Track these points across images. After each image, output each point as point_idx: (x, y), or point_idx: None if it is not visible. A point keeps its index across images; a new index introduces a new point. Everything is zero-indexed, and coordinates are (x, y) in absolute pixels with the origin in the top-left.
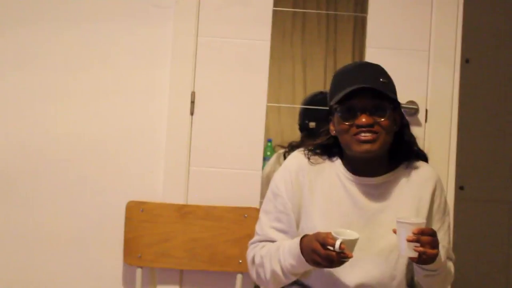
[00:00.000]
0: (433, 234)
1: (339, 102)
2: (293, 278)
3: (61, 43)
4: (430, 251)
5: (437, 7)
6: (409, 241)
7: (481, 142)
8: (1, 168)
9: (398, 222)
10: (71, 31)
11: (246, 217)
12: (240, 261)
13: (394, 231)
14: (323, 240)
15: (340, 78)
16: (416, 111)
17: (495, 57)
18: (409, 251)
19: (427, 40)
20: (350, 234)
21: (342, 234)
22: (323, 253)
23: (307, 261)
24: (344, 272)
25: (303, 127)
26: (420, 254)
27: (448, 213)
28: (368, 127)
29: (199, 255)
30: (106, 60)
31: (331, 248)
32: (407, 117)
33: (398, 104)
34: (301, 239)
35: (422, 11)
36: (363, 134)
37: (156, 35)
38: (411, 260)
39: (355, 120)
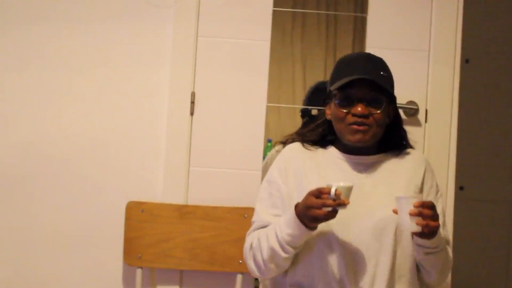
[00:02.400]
0: (433, 207)
1: (339, 89)
2: (291, 252)
3: (61, 43)
4: (433, 223)
5: (437, 7)
6: (411, 215)
7: (481, 142)
8: (1, 168)
9: (397, 198)
10: (70, 32)
11: (246, 217)
12: (240, 261)
13: (395, 211)
14: (318, 191)
15: (343, 65)
16: (416, 111)
17: (495, 57)
18: (412, 226)
19: (427, 40)
20: (345, 184)
21: (337, 184)
22: (319, 203)
23: (304, 222)
24: (345, 249)
25: (304, 113)
26: (423, 227)
27: (441, 195)
28: (363, 117)
29: (199, 255)
30: (106, 60)
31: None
32: (407, 117)
33: (393, 98)
34: (296, 205)
35: (422, 11)
36: (356, 125)
37: (156, 35)
38: (414, 235)
39: (351, 109)
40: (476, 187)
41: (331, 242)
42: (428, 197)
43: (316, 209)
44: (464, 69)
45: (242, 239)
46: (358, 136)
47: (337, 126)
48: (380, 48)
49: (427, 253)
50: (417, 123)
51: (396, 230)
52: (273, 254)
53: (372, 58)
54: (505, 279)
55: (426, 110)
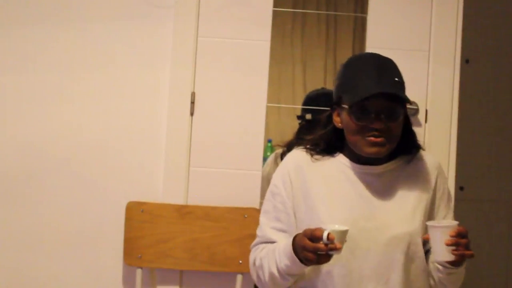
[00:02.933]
0: (467, 234)
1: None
2: (291, 280)
3: (61, 44)
4: (468, 252)
5: (437, 7)
6: (448, 245)
7: (481, 142)
8: (1, 168)
9: (432, 227)
10: (71, 32)
11: (246, 218)
12: (240, 261)
13: (426, 238)
14: (311, 234)
15: (355, 72)
16: (416, 111)
17: (495, 57)
18: (447, 255)
19: (427, 40)
20: (339, 227)
21: (332, 228)
22: (311, 247)
23: (299, 259)
24: (355, 263)
25: (301, 118)
26: (457, 257)
27: (451, 199)
28: (381, 131)
29: (199, 255)
30: (106, 61)
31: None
32: None
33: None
34: (294, 238)
35: (422, 11)
36: (373, 138)
37: (156, 35)
38: (447, 263)
39: (369, 122)
40: (476, 187)
41: (339, 257)
42: (440, 203)
43: (308, 252)
44: (464, 69)
45: (242, 239)
46: (375, 149)
47: (351, 138)
48: (380, 48)
49: (450, 273)
50: (417, 123)
51: (408, 247)
52: (272, 278)
53: (384, 63)
54: (505, 279)
55: (426, 110)
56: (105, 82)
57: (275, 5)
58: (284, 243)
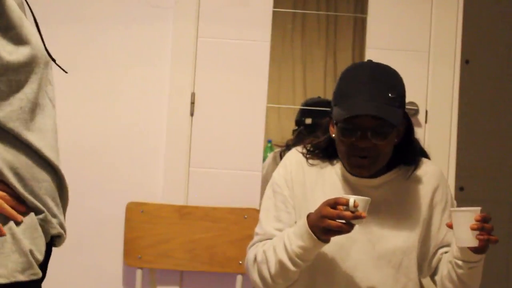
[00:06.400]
0: (490, 220)
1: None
2: (301, 266)
3: (61, 43)
4: (493, 237)
5: (437, 7)
6: (473, 229)
7: (481, 143)
8: None
9: (456, 211)
10: (70, 32)
11: (246, 218)
12: (240, 262)
13: (449, 225)
14: (335, 201)
15: (348, 84)
16: (416, 112)
17: (495, 57)
18: (471, 241)
19: (427, 40)
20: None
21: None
22: (335, 214)
23: (316, 233)
24: (345, 275)
25: (299, 123)
26: (482, 242)
27: (454, 206)
28: (367, 150)
29: (199, 256)
30: (106, 61)
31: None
32: None
33: (404, 115)
34: (307, 216)
35: (422, 12)
36: (359, 159)
37: (156, 35)
38: (471, 250)
39: (354, 140)
40: (476, 188)
41: (329, 267)
42: (444, 213)
43: (330, 220)
44: (464, 70)
45: (242, 240)
46: (359, 171)
47: (340, 151)
48: (380, 48)
49: (471, 268)
50: (417, 124)
51: (400, 263)
52: (281, 268)
53: (380, 76)
54: (505, 279)
55: (426, 111)
56: (105, 82)
57: (275, 6)
58: (293, 227)
